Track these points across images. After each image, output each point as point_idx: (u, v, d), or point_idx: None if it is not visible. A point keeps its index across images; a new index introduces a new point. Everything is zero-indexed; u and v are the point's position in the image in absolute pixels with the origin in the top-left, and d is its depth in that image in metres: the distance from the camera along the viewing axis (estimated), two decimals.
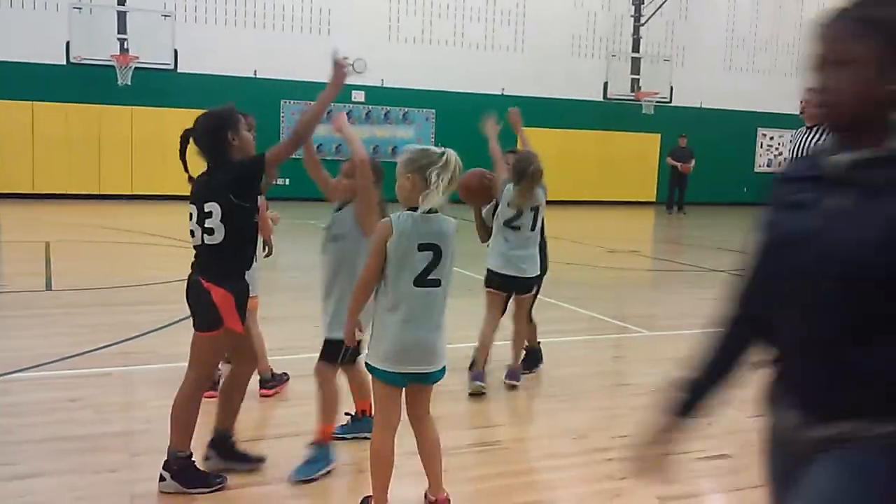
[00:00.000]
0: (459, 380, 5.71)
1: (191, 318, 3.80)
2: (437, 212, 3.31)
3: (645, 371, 6.02)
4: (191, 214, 3.73)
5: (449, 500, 3.56)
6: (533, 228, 5.50)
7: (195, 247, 3.75)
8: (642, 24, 23.26)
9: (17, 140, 18.05)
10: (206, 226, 3.67)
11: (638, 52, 23.14)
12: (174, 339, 6.57)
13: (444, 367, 3.42)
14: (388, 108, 21.53)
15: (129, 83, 17.88)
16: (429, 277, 3.29)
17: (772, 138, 25.45)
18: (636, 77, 22.81)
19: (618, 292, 9.40)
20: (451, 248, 3.35)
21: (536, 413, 5.05)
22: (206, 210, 3.67)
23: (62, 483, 3.83)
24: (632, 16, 23.32)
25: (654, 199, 23.72)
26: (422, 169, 3.27)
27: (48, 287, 8.45)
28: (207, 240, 3.67)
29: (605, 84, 22.67)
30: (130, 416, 4.73)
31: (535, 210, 5.49)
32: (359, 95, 21.20)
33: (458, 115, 21.73)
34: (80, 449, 4.18)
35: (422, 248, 3.27)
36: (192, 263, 3.77)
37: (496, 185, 5.44)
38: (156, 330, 6.72)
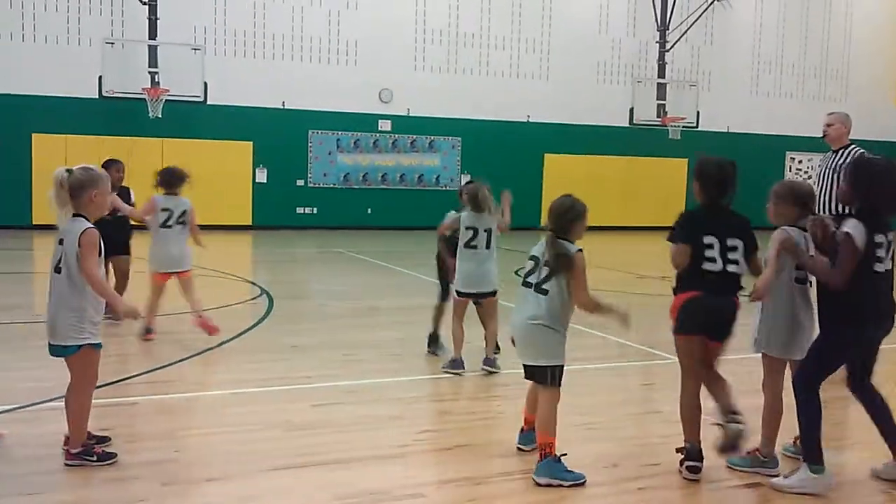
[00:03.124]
0: (487, 407, 5.66)
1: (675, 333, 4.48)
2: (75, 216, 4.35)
3: (675, 399, 5.92)
4: (711, 245, 4.32)
5: None
6: (488, 247, 6.51)
7: (716, 272, 4.30)
8: (667, 50, 23.25)
9: (52, 173, 18.31)
10: (729, 257, 4.32)
11: (664, 77, 23.11)
12: (201, 368, 6.61)
13: (56, 346, 4.24)
14: (415, 136, 21.64)
15: (160, 115, 18.17)
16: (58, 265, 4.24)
17: (800, 161, 25.22)
18: (662, 102, 22.76)
19: (647, 319, 9.30)
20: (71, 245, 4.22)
21: (566, 441, 4.98)
22: (731, 245, 4.34)
23: None
24: (657, 42, 23.33)
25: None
26: None
27: None
28: (731, 268, 4.32)
29: (631, 110, 22.64)
30: (159, 446, 4.73)
31: (488, 231, 6.52)
32: (385, 124, 21.35)
33: (484, 143, 21.82)
34: (109, 479, 4.18)
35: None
36: (715, 287, 4.30)
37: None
38: (184, 360, 6.75)
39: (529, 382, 4.65)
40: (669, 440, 5.02)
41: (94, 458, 4.31)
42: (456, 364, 6.45)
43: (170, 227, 7.50)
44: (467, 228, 6.52)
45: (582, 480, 4.29)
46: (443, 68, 21.82)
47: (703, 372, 4.45)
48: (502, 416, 5.48)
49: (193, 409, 5.61)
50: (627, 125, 22.75)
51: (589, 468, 4.56)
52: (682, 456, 4.44)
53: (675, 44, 23.17)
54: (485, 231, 6.51)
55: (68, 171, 4.44)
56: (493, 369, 6.44)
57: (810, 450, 4.17)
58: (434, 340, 7.12)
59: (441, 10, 21.74)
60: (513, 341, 4.55)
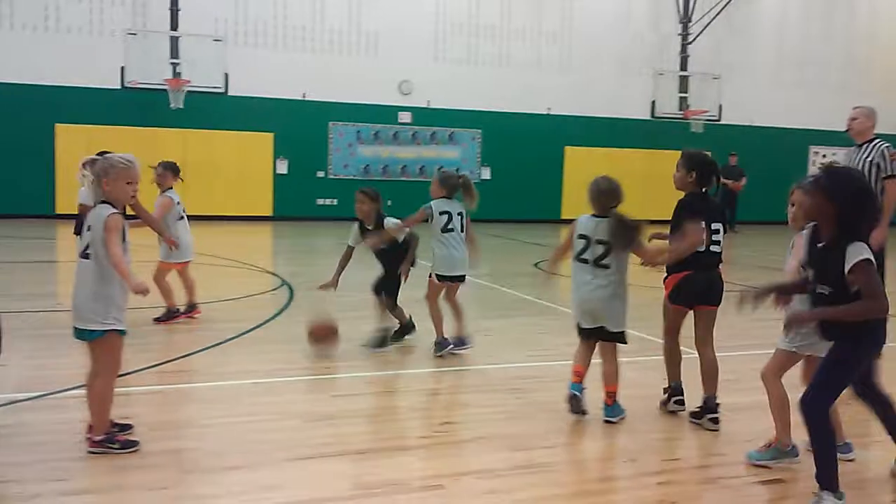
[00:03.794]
0: (506, 400, 5.66)
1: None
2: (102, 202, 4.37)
3: (696, 393, 5.90)
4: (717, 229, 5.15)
5: None
6: (462, 230, 6.72)
7: (702, 252, 5.05)
8: (690, 42, 23.08)
9: (75, 163, 18.49)
10: (713, 238, 5.09)
11: (686, 69, 22.95)
12: (224, 357, 6.65)
13: (82, 330, 4.30)
14: (435, 128, 21.64)
15: (182, 106, 18.27)
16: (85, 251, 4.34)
17: (824, 156, 24.93)
18: (684, 95, 22.61)
19: None
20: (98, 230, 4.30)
21: (586, 435, 4.98)
22: (714, 228, 5.11)
23: (114, 499, 3.88)
24: (679, 34, 23.16)
25: None
26: None
27: None
28: (714, 248, 5.11)
29: (653, 103, 22.50)
30: (181, 434, 4.78)
31: (461, 215, 6.72)
32: (405, 116, 21.36)
33: (504, 135, 21.78)
34: (131, 465, 4.23)
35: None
36: (703, 265, 5.09)
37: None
38: (206, 348, 6.80)
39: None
40: (690, 435, 5.00)
41: (117, 446, 4.36)
42: (443, 344, 6.70)
43: (182, 218, 7.88)
44: (441, 213, 6.66)
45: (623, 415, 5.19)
46: (463, 60, 21.79)
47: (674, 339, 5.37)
48: (522, 408, 5.48)
49: (215, 398, 5.66)
50: (649, 118, 22.62)
51: (609, 462, 4.56)
52: (667, 396, 5.38)
53: (697, 36, 22.99)
54: (458, 214, 6.69)
55: (93, 160, 4.60)
56: (468, 346, 6.78)
57: (833, 477, 3.86)
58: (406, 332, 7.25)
59: (462, 1, 21.69)
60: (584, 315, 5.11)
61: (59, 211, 18.19)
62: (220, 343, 6.99)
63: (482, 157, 22.03)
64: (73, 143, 18.39)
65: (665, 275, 5.24)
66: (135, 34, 18.47)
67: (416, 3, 21.22)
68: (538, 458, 4.54)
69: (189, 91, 18.27)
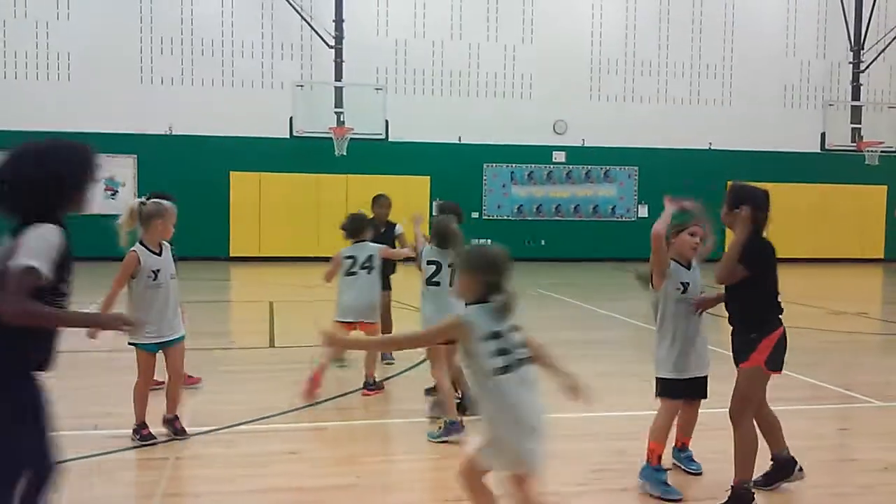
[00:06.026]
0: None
1: None
2: None
3: (875, 445, 5.49)
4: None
5: None
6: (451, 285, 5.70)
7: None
8: (862, 71, 21.85)
9: (247, 208, 19.74)
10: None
11: (858, 99, 21.71)
12: (385, 395, 6.79)
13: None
14: (589, 167, 21.48)
15: (345, 153, 19.10)
16: None
17: None
18: (857, 126, 21.37)
19: (844, 358, 8.69)
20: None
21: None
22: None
23: None
24: (850, 62, 21.98)
25: (881, 257, 21.92)
26: None
27: (271, 344, 9.06)
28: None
29: (823, 135, 21.40)
30: (343, 471, 4.92)
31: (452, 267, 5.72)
32: (559, 156, 21.35)
33: (663, 172, 21.30)
34: (297, 501, 4.39)
35: None
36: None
37: None
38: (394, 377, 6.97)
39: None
40: (867, 491, 4.65)
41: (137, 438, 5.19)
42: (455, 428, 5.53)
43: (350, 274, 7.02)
44: (429, 263, 5.94)
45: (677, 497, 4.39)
46: (619, 97, 21.58)
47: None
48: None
49: (375, 435, 5.79)
50: (819, 151, 21.52)
51: None
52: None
53: (870, 64, 21.73)
54: (448, 266, 5.87)
55: (142, 203, 5.19)
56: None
57: None
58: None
59: (617, 38, 21.57)
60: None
61: (233, 254, 19.34)
62: (384, 380, 7.13)
63: (639, 194, 21.64)
64: (247, 190, 19.62)
65: (753, 334, 4.29)
66: (302, 86, 19.54)
67: (571, 43, 21.26)
68: None
69: (352, 138, 19.09)
